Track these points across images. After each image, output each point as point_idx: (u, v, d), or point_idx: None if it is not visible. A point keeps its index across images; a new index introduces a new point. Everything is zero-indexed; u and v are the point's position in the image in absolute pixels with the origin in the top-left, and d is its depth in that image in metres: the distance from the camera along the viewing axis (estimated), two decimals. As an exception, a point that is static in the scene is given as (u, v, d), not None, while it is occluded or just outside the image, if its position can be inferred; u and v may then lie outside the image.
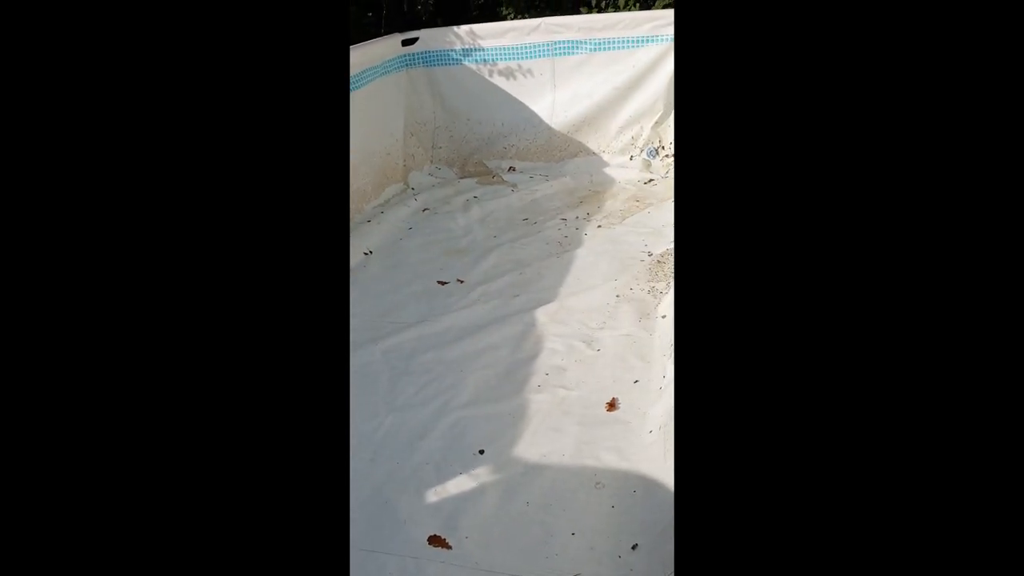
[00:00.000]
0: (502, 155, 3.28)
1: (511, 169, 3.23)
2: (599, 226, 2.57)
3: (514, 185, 3.06)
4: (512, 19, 3.51)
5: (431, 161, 3.32)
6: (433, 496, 1.35)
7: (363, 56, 2.75)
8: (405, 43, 3.09)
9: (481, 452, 1.45)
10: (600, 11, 3.54)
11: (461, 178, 3.24)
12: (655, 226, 2.49)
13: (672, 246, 2.25)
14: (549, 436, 1.48)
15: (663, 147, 3.13)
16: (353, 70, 2.67)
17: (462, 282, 2.21)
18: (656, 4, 3.52)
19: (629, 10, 3.43)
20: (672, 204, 2.63)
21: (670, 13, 2.96)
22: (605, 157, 3.17)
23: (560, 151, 3.25)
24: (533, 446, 1.45)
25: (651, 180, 2.99)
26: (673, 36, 2.90)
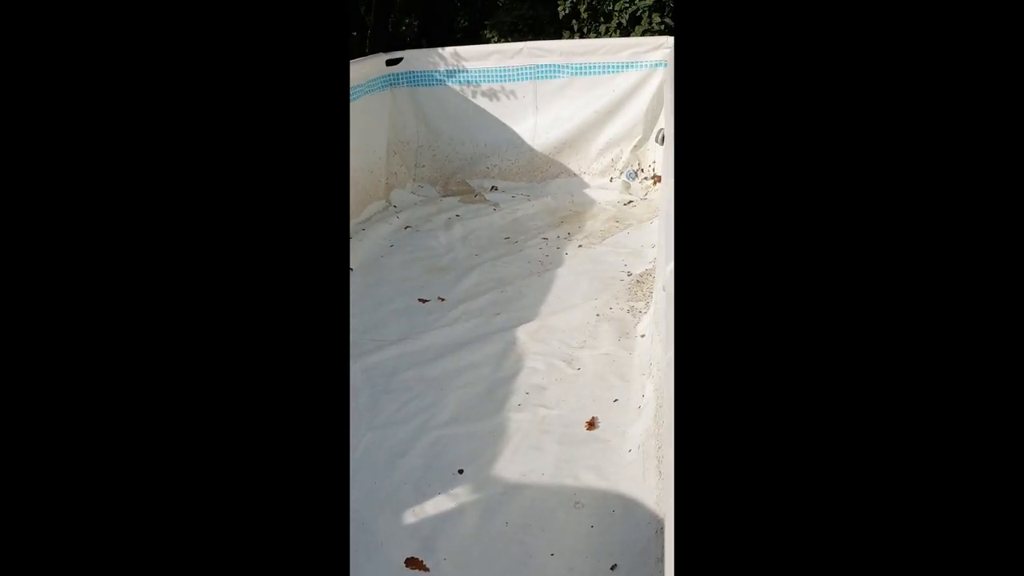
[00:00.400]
0: (484, 174, 3.31)
1: (493, 188, 3.26)
2: (580, 246, 2.60)
3: (496, 204, 3.08)
4: (496, 42, 3.57)
5: (414, 179, 3.33)
6: (411, 517, 1.34)
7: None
8: (389, 63, 3.12)
9: (461, 471, 1.44)
10: (582, 37, 3.63)
11: (443, 196, 3.26)
12: (635, 247, 2.53)
13: (651, 266, 2.29)
14: (529, 455, 1.48)
15: (642, 169, 3.20)
16: (337, 88, 2.68)
17: (443, 300, 2.21)
18: (635, 31, 3.62)
19: (610, 36, 3.52)
20: (651, 225, 2.68)
21: (650, 40, 3.05)
22: (586, 178, 3.22)
23: (542, 172, 3.29)
24: (513, 465, 1.45)
25: (631, 202, 3.05)
26: (653, 62, 2.99)
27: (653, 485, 1.32)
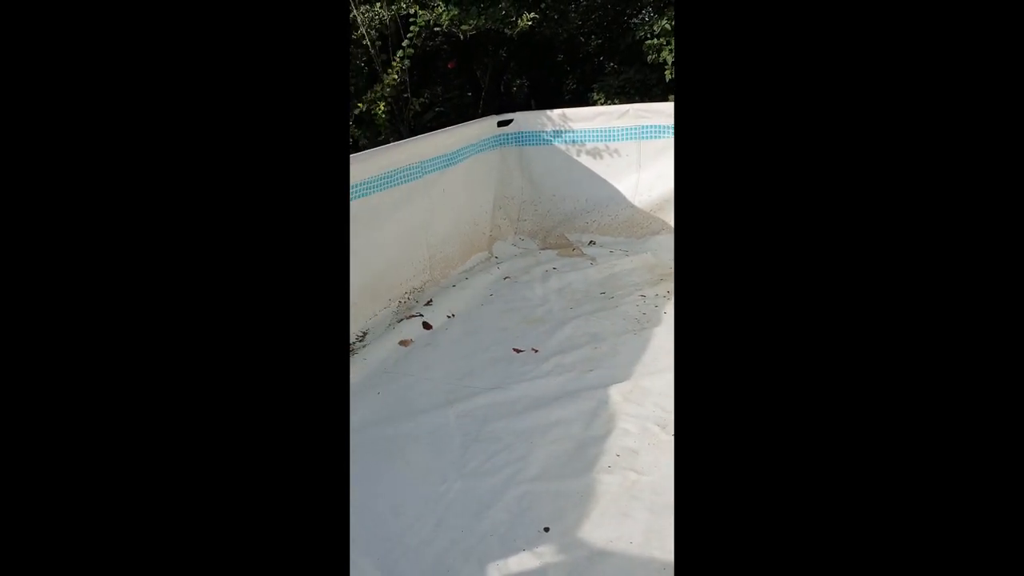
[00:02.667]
0: (584, 229, 3.37)
1: (591, 243, 3.30)
2: (679, 306, 2.54)
3: (593, 259, 3.11)
4: (603, 104, 3.69)
5: (515, 232, 3.46)
6: (495, 571, 1.33)
7: (461, 136, 2.99)
8: (501, 124, 3.33)
9: (546, 530, 1.43)
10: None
11: (542, 249, 3.35)
12: (738, 310, 2.43)
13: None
14: (617, 520, 1.43)
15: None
16: (452, 148, 2.90)
17: (537, 351, 2.25)
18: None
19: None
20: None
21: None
22: (688, 236, 3.17)
23: (642, 227, 3.29)
24: (600, 529, 1.41)
25: (735, 262, 2.94)
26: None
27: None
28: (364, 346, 2.33)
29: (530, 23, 3.29)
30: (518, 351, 2.26)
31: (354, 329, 2.44)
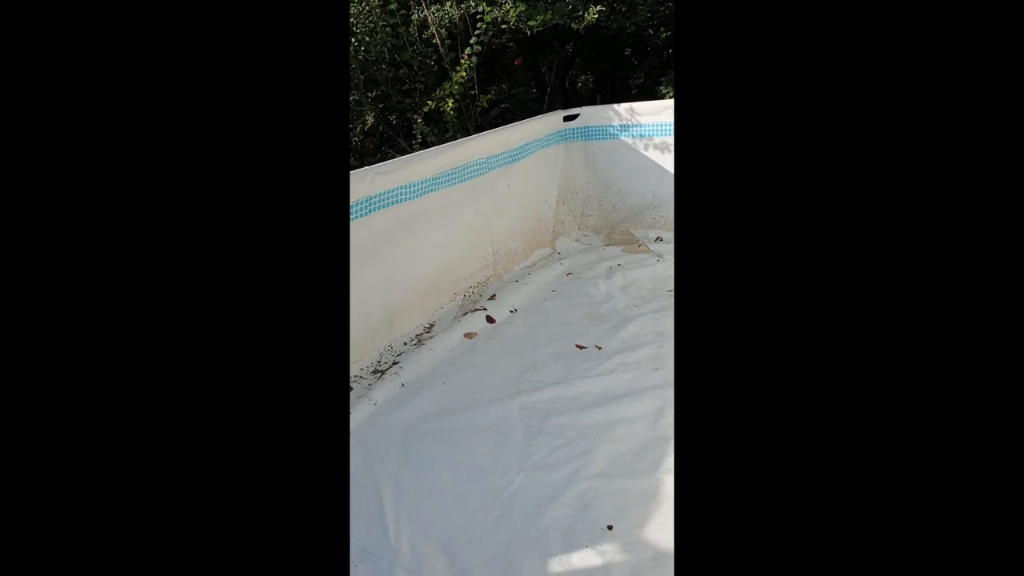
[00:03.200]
0: (650, 225, 3.29)
1: (658, 239, 3.22)
2: (750, 305, 2.43)
3: (660, 255, 3.03)
4: (671, 98, 3.59)
5: (579, 228, 3.43)
6: (557, 566, 1.33)
7: (528, 131, 2.99)
8: (567, 119, 3.31)
9: (609, 528, 1.41)
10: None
11: (606, 245, 3.30)
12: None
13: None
14: (683, 524, 1.39)
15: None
16: (518, 143, 2.91)
17: (600, 348, 2.22)
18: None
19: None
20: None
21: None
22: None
23: (711, 225, 3.17)
24: (665, 531, 1.38)
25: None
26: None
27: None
28: (431, 337, 2.39)
29: (596, 16, 3.25)
30: (581, 347, 2.24)
31: (421, 321, 2.50)
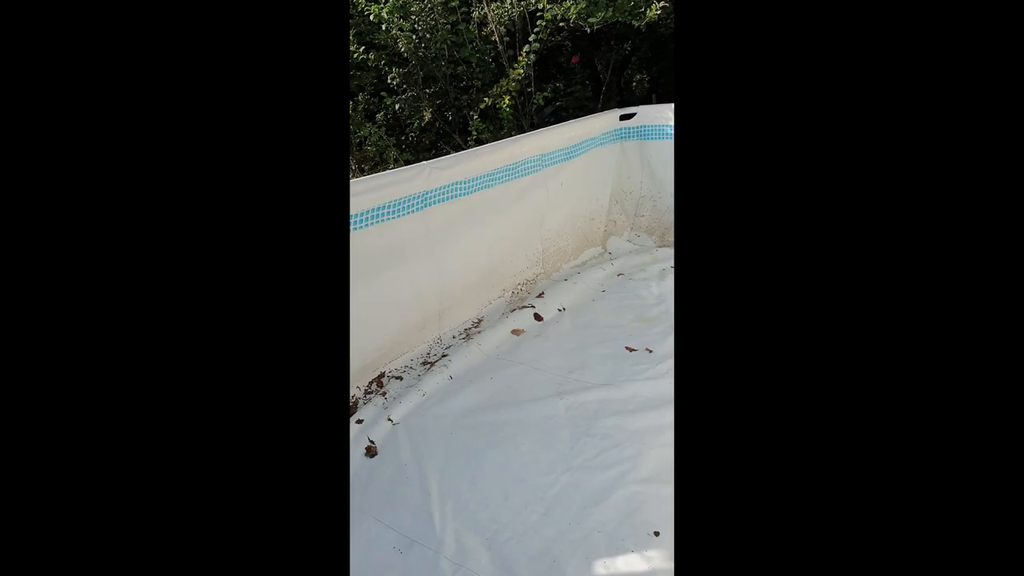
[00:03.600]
0: (705, 228, 3.20)
1: (713, 243, 3.13)
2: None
3: (715, 260, 2.95)
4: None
5: (631, 228, 3.38)
6: (602, 568, 1.31)
7: (583, 129, 2.96)
8: (623, 117, 3.26)
9: (656, 534, 1.38)
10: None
11: (659, 247, 3.23)
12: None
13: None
14: (735, 537, 1.35)
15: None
16: (573, 141, 2.89)
17: (651, 352, 2.18)
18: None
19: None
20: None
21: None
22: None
23: (771, 230, 3.06)
24: (715, 543, 1.34)
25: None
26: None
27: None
28: (479, 332, 2.40)
29: (659, 13, 3.18)
30: (631, 350, 2.21)
31: (469, 315, 2.52)
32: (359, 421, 1.89)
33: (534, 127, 3.70)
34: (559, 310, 2.59)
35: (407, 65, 3.57)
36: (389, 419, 1.89)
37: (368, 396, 2.05)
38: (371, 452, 1.76)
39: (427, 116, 3.49)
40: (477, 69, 3.63)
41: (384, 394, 2.04)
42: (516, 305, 2.61)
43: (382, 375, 2.15)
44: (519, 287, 2.76)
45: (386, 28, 3.37)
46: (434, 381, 2.07)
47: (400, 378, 2.14)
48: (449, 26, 3.48)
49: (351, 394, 2.05)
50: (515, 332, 2.40)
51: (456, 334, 2.42)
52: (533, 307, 2.57)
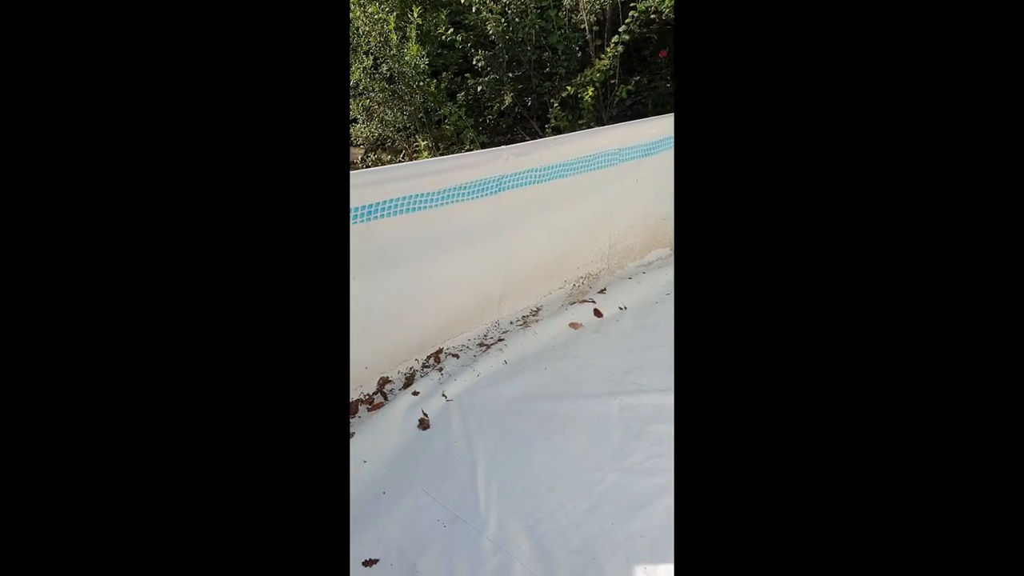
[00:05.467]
0: (782, 242, 3.06)
1: (789, 258, 3.00)
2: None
3: (789, 276, 2.82)
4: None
5: (702, 233, 3.28)
6: (642, 573, 1.30)
7: (664, 125, 2.88)
8: (707, 118, 3.15)
9: (702, 549, 1.35)
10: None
11: (730, 256, 3.13)
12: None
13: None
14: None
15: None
16: (654, 137, 2.82)
17: (712, 363, 2.12)
18: None
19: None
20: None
21: None
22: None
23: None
24: (763, 567, 1.30)
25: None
26: None
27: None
28: (537, 320, 2.41)
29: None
30: (691, 357, 2.15)
31: (529, 303, 2.53)
32: (415, 393, 1.94)
33: (613, 120, 3.63)
34: (620, 308, 2.56)
35: (493, 48, 3.57)
36: (443, 395, 1.93)
37: (425, 370, 2.10)
38: (424, 424, 1.81)
39: (507, 100, 3.49)
40: (563, 57, 3.59)
41: (441, 369, 2.09)
42: (576, 298, 2.60)
43: (440, 351, 2.19)
44: (581, 280, 2.74)
45: (476, 9, 3.38)
46: (489, 363, 2.10)
47: (457, 356, 2.18)
48: (539, 11, 3.45)
49: (409, 366, 2.11)
50: (573, 325, 2.39)
51: (514, 320, 2.43)
52: (594, 302, 2.54)
